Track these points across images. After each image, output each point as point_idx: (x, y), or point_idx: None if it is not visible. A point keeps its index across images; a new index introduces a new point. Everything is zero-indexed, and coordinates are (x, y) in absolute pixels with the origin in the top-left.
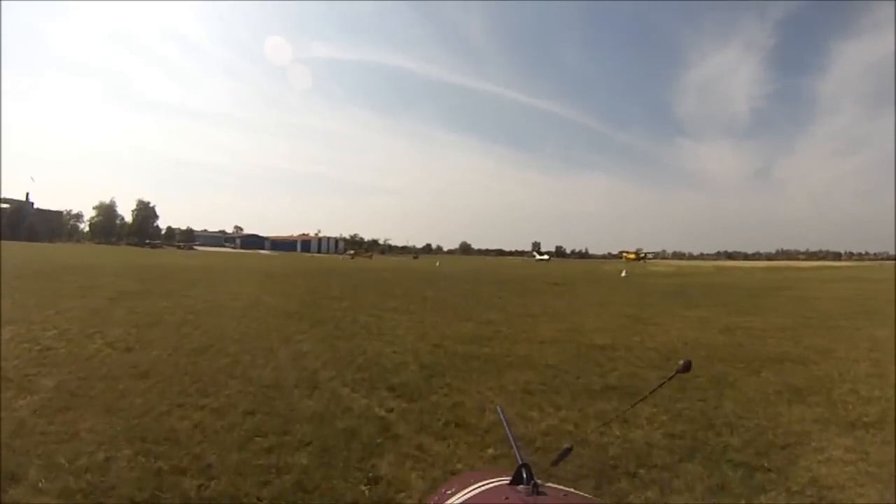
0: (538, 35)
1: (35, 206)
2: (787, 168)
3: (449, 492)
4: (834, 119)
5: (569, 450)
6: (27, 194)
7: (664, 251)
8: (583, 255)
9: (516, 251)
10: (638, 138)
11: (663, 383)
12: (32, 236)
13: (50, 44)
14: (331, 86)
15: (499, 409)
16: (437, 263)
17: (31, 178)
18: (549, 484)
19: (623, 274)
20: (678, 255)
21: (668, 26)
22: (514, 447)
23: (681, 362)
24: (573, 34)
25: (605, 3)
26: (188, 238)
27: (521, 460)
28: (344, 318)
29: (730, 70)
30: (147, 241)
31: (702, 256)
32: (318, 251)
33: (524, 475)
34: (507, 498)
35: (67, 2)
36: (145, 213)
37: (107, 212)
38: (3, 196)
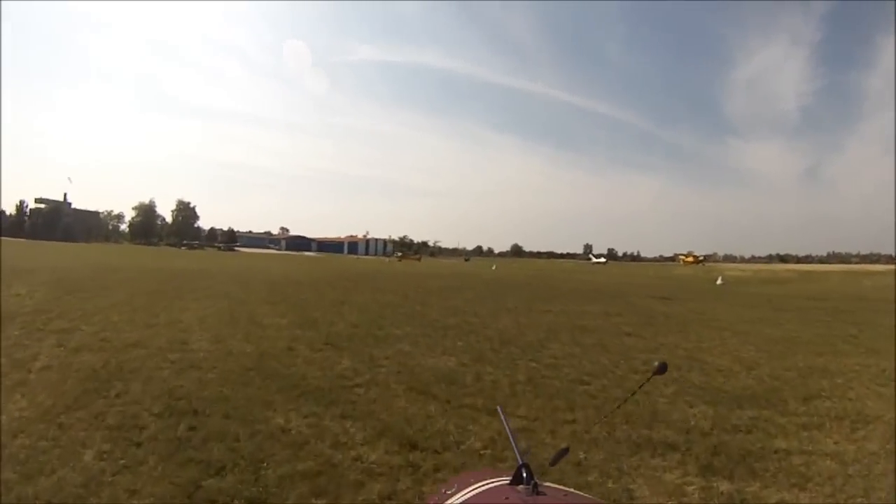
0: (582, 34)
1: (73, 206)
2: (836, 167)
3: (449, 492)
4: (882, 116)
5: (566, 450)
6: (65, 195)
7: (715, 254)
8: (634, 258)
9: (567, 253)
10: (686, 137)
11: (641, 385)
12: (68, 236)
13: (90, 55)
14: (377, 87)
15: (499, 409)
16: (494, 267)
17: (69, 180)
18: (549, 484)
19: (719, 282)
20: (729, 258)
21: (712, 22)
22: (514, 447)
23: (655, 363)
24: (618, 32)
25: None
26: (230, 239)
27: (521, 460)
28: (300, 458)
29: (776, 66)
30: (184, 241)
31: (753, 259)
32: (366, 253)
33: (524, 475)
34: (507, 498)
35: (108, 14)
36: (185, 213)
37: (146, 212)
38: (41, 197)
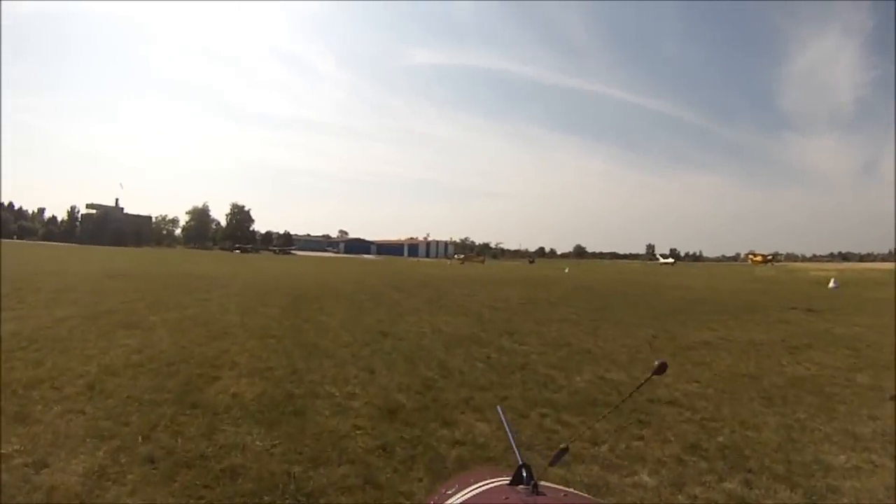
0: (638, 31)
1: (125, 211)
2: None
3: (449, 492)
4: None
5: (565, 450)
6: (116, 200)
7: (778, 253)
8: (697, 258)
9: (630, 254)
10: (744, 134)
11: (640, 385)
12: (118, 240)
13: (150, 66)
14: (434, 91)
15: (499, 409)
16: (566, 269)
17: (120, 185)
18: (549, 484)
19: (832, 285)
20: (791, 257)
21: (764, 15)
22: (514, 447)
23: (656, 363)
24: (672, 28)
25: None
26: (286, 242)
27: (521, 460)
28: None
29: (830, 57)
30: (237, 245)
31: (815, 258)
32: (427, 255)
33: (524, 475)
34: (506, 498)
35: (165, 25)
36: (240, 216)
37: (199, 216)
38: (92, 202)
